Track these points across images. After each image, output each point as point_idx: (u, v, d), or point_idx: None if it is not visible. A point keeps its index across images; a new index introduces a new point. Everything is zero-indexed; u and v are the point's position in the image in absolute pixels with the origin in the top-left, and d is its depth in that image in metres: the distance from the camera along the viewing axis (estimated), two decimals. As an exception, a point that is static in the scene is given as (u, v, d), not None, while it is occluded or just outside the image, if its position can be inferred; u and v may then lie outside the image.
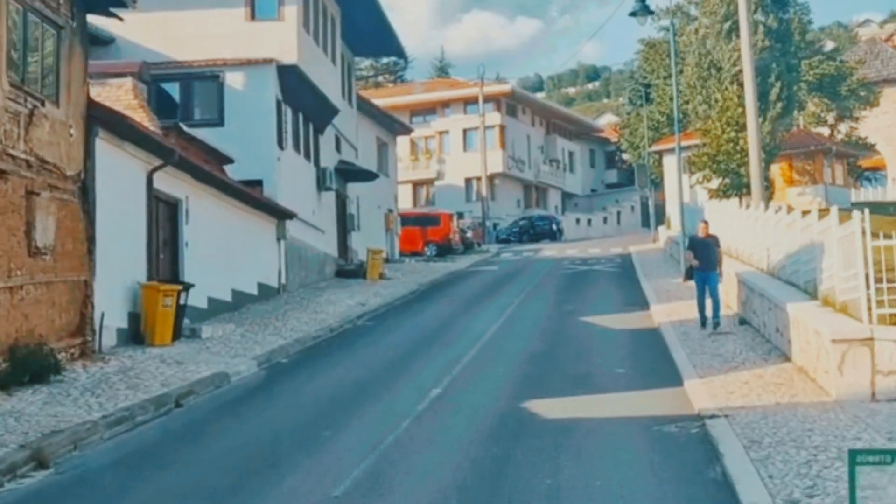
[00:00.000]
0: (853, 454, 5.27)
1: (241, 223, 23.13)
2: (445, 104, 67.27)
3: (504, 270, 38.19)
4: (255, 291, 23.68)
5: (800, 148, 46.81)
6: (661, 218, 53.68)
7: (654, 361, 16.27)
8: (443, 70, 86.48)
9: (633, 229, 73.50)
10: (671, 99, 56.94)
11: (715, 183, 39.81)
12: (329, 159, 31.09)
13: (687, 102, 49.32)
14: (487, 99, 63.82)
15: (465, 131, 66.19)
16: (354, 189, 35.03)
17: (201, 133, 22.77)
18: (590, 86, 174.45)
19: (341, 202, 32.67)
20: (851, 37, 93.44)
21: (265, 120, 25.24)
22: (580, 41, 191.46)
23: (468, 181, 66.14)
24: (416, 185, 67.28)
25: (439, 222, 46.09)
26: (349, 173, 32.37)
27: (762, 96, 40.59)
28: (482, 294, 27.78)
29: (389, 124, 44.51)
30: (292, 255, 26.26)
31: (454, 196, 65.47)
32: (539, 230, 62.68)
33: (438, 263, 41.23)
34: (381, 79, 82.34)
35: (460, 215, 61.89)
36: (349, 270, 30.66)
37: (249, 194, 23.18)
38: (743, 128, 39.22)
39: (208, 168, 20.86)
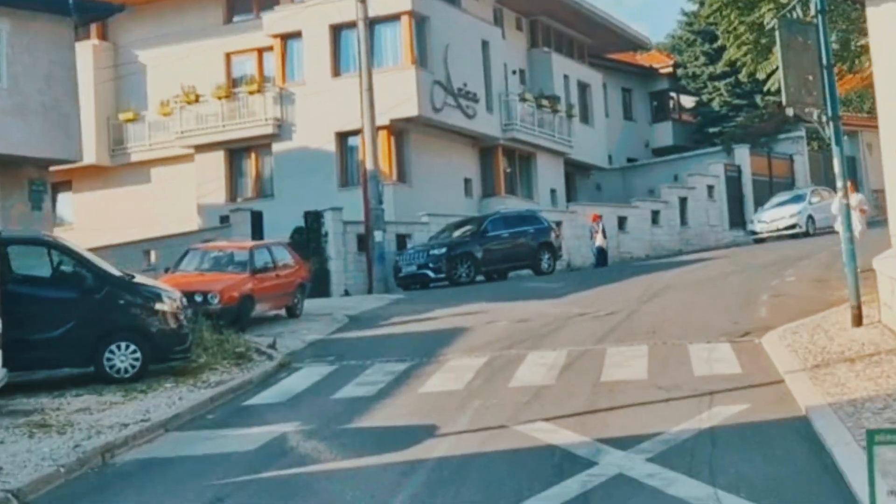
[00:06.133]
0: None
1: None
2: (294, -24, 30.87)
3: None
4: None
5: None
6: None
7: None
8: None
9: (714, 233, 36.76)
10: None
11: None
12: None
13: None
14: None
15: (334, 30, 29.87)
16: None
17: None
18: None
19: None
20: None
21: None
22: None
23: (344, 139, 29.89)
24: (233, 151, 31.07)
25: None
26: None
27: None
28: None
29: None
30: None
31: (318, 173, 29.37)
32: (501, 249, 26.31)
33: None
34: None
35: (299, 237, 26.05)
36: None
37: None
38: None
39: None
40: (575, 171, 39.19)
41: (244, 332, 16.70)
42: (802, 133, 39.40)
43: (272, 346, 15.38)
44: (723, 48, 44.83)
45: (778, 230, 31.98)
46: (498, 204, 31.68)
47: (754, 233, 32.92)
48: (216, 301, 16.45)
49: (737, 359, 12.01)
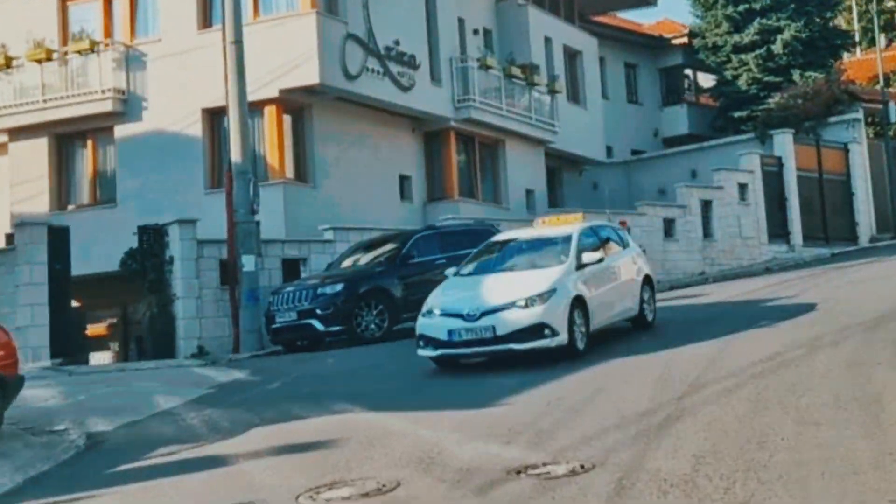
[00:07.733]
0: None
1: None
2: None
3: None
4: None
5: None
6: None
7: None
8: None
9: (748, 248, 27.64)
10: None
11: None
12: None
13: None
14: None
15: (202, -40, 20.86)
16: None
17: None
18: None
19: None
20: None
21: None
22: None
23: (216, 119, 20.79)
24: (62, 137, 22.01)
25: None
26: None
27: None
28: None
29: None
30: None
31: (178, 168, 20.37)
32: (434, 283, 16.96)
33: None
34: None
35: (132, 263, 16.70)
36: None
37: None
38: None
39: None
40: (562, 167, 30.03)
41: None
42: (859, 115, 30.18)
43: None
44: (752, 11, 36.21)
45: (484, 344, 11.84)
46: (450, 210, 22.62)
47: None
48: None
49: None
